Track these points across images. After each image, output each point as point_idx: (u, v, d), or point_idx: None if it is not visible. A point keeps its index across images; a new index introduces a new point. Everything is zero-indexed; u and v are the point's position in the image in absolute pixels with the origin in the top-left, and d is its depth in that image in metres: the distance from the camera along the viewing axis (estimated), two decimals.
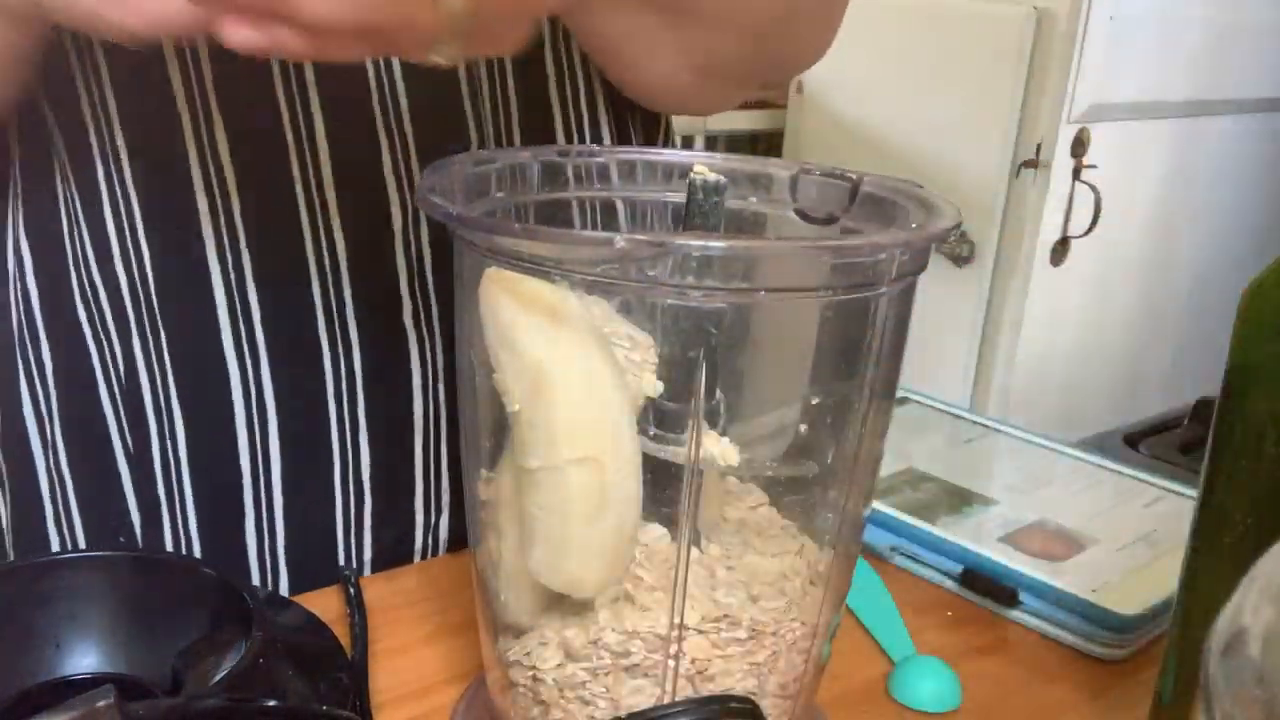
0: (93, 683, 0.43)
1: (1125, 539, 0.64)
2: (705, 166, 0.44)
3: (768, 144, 2.03)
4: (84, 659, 0.49)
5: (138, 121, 0.56)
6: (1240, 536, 0.42)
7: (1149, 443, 1.43)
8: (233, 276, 0.58)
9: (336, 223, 0.58)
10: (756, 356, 0.43)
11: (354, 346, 0.61)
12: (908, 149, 1.64)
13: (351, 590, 0.57)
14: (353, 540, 0.64)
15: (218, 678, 0.44)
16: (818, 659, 0.45)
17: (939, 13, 1.58)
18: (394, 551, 0.65)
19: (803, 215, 0.49)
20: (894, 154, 1.64)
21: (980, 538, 0.63)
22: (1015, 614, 0.60)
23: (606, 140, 0.66)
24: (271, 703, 0.42)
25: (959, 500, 0.68)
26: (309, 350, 0.60)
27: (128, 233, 0.58)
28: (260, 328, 0.59)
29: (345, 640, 0.53)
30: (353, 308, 0.60)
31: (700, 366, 0.39)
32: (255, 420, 0.60)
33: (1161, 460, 1.36)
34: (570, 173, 0.49)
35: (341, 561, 0.64)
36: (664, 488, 0.41)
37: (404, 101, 0.58)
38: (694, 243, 0.37)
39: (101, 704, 0.36)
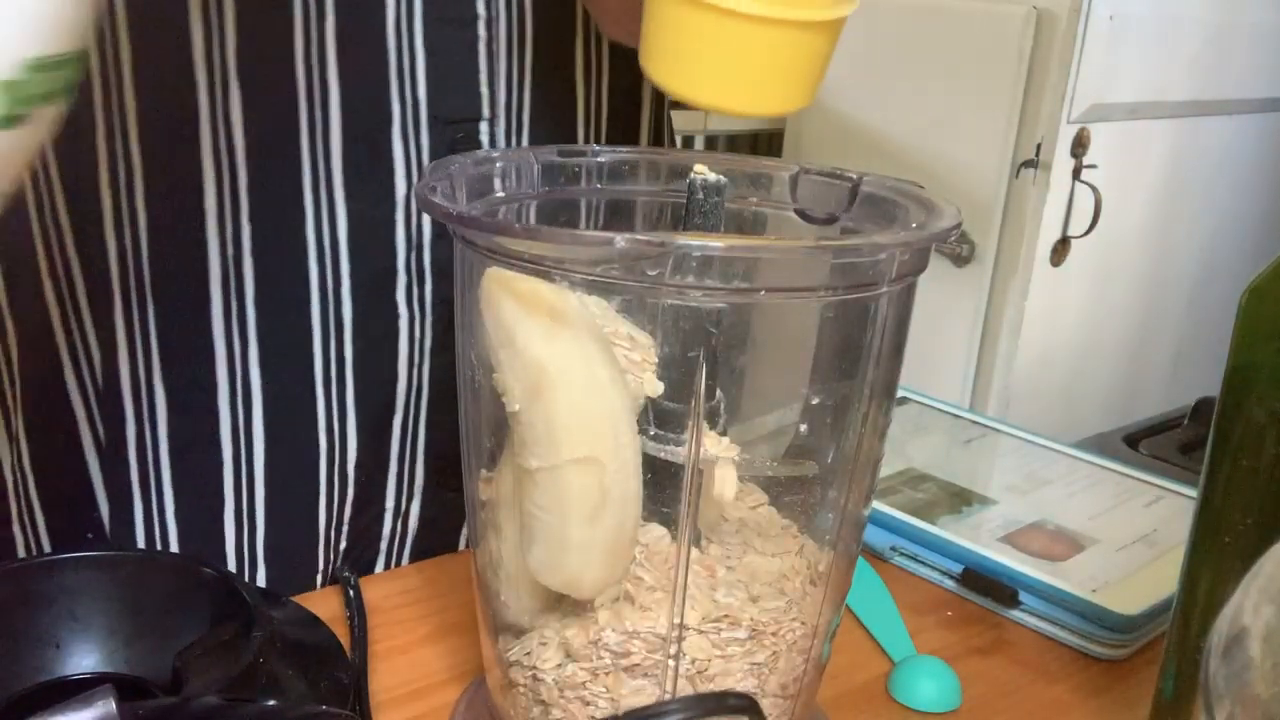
0: (93, 683, 0.43)
1: (1125, 539, 0.64)
2: (705, 166, 0.44)
3: (768, 144, 2.02)
4: (84, 659, 0.48)
5: (150, 81, 0.54)
6: (1240, 536, 0.42)
7: (1149, 443, 1.43)
8: (230, 250, 0.57)
9: (340, 197, 0.58)
10: (756, 356, 0.43)
11: (346, 328, 0.60)
12: (908, 149, 1.63)
13: (351, 591, 0.57)
14: (333, 531, 0.64)
15: (218, 678, 0.44)
16: (818, 659, 0.45)
17: (939, 12, 1.58)
18: (366, 537, 0.65)
19: (803, 215, 0.49)
20: (894, 154, 1.64)
21: (980, 538, 0.63)
22: (1015, 614, 0.60)
23: (604, 129, 0.66)
24: (271, 703, 0.42)
25: (959, 500, 0.68)
26: (300, 332, 0.59)
27: (124, 198, 0.55)
28: (252, 307, 0.58)
29: (345, 640, 0.53)
30: (349, 286, 0.59)
31: (700, 366, 0.39)
32: (240, 404, 0.60)
33: (1161, 460, 1.35)
34: (571, 172, 0.49)
35: (321, 550, 0.63)
36: (664, 488, 0.41)
37: (421, 76, 0.57)
38: (694, 243, 0.37)
39: (101, 704, 0.36)
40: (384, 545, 0.66)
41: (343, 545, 0.64)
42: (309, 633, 0.51)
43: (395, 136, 0.58)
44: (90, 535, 0.61)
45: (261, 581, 0.63)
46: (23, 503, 0.62)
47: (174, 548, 0.61)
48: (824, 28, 0.41)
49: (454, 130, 0.59)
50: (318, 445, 0.61)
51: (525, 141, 0.62)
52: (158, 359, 0.58)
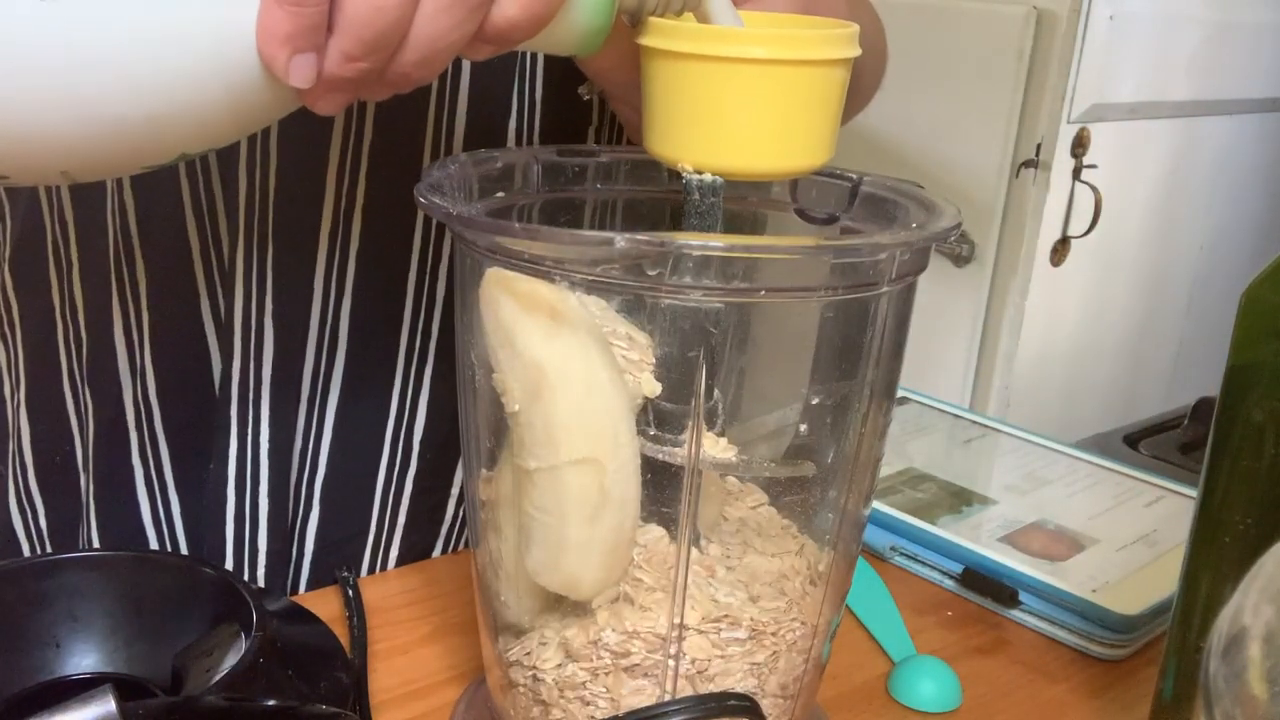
0: (93, 683, 0.43)
1: (1125, 539, 0.64)
2: None
3: None
4: (84, 659, 0.48)
5: None
6: (1240, 536, 0.42)
7: (1149, 443, 1.43)
8: (343, 204, 0.57)
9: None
10: (756, 356, 0.43)
11: (434, 323, 0.61)
12: (908, 149, 1.63)
13: (350, 591, 0.57)
14: (382, 536, 0.64)
15: (218, 678, 0.44)
16: (818, 659, 0.45)
17: (938, 12, 1.58)
18: (419, 550, 0.66)
19: (803, 215, 0.49)
20: (894, 154, 1.64)
21: (980, 538, 0.63)
22: (1015, 614, 0.60)
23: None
24: (271, 703, 0.42)
25: (959, 500, 0.68)
26: (393, 297, 0.60)
27: (259, 141, 0.55)
28: (354, 260, 0.58)
29: (345, 640, 0.53)
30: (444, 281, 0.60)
31: (700, 366, 0.39)
32: (322, 372, 0.60)
33: (1161, 460, 1.35)
34: (571, 172, 0.49)
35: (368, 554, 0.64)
36: (664, 488, 0.41)
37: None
38: (694, 242, 0.37)
39: (101, 704, 0.36)
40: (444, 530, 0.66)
41: (394, 552, 0.65)
42: (309, 633, 0.51)
43: (511, 127, 0.59)
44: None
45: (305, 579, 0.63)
46: (146, 434, 0.62)
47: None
48: (828, 68, 0.41)
49: None
50: (388, 415, 0.62)
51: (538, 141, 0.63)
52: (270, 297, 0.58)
